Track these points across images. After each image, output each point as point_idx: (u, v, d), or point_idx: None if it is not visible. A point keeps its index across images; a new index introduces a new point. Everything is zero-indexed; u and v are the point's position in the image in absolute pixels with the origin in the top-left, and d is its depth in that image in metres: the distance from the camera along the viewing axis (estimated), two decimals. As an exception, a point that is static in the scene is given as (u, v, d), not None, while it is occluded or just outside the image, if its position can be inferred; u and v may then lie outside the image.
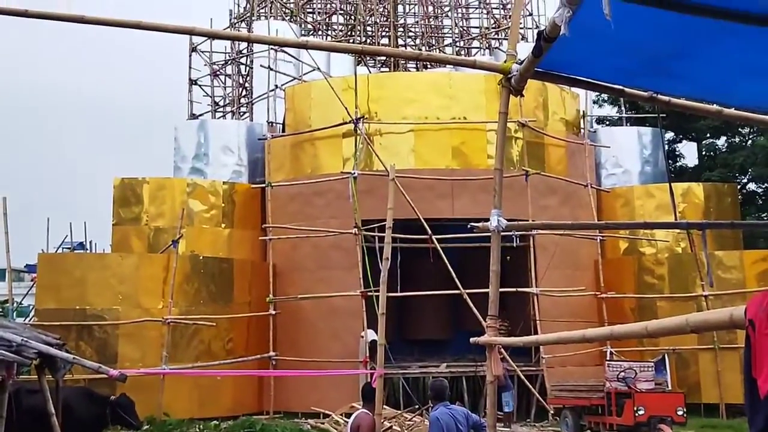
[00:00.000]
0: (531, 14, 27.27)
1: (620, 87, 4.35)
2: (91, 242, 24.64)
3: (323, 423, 15.98)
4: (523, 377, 17.06)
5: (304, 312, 18.68)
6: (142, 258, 18.15)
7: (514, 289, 17.46)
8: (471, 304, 15.19)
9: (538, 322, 17.75)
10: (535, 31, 27.17)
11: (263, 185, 20.33)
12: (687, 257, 18.94)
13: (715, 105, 4.48)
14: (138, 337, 16.90)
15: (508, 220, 5.10)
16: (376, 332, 10.02)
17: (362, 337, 17.00)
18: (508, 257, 18.78)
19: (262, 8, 27.47)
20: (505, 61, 4.62)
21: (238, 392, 17.95)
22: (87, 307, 16.87)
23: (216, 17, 37.54)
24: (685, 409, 14.04)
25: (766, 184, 32.66)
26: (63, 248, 23.05)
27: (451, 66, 21.31)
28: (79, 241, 23.63)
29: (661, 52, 3.61)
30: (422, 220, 16.78)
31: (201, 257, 18.51)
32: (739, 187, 28.76)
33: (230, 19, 28.92)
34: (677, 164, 35.47)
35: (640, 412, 13.56)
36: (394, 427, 12.45)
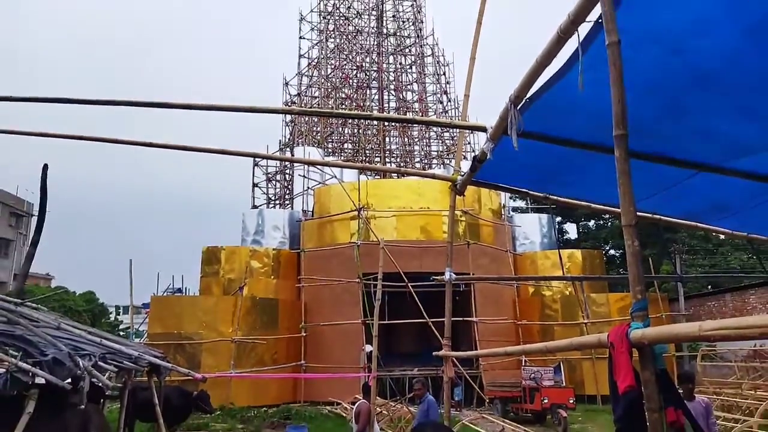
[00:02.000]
0: (470, 142, 27.83)
1: (526, 190, 4.43)
2: (186, 288, 24.35)
3: (336, 409, 15.52)
4: (468, 377, 16.70)
5: (325, 334, 18.38)
6: (219, 299, 17.93)
7: (462, 319, 17.28)
8: (434, 329, 15.00)
9: (477, 341, 17.49)
10: (472, 155, 27.75)
11: (299, 251, 20.30)
12: (572, 298, 18.86)
13: (585, 202, 4.55)
14: (214, 351, 16.53)
15: (456, 274, 5.11)
16: (372, 347, 9.85)
17: (363, 350, 16.69)
18: (458, 298, 18.80)
19: (300, 139, 27.96)
20: (453, 174, 4.72)
21: (280, 388, 17.46)
22: (182, 332, 16.55)
23: (271, 142, 38.17)
24: (574, 399, 13.75)
25: (621, 251, 32.80)
26: (167, 292, 22.75)
27: (420, 176, 21.66)
28: (178, 287, 23.35)
29: (550, 169, 3.70)
30: (402, 274, 16.72)
31: (258, 298, 18.31)
32: (604, 252, 28.86)
33: (279, 145, 29.36)
34: (564, 237, 35.65)
35: (545, 401, 13.26)
36: (383, 412, 12.06)
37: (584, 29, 2.19)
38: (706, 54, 2.23)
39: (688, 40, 2.17)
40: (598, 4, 1.96)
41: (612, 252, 34.80)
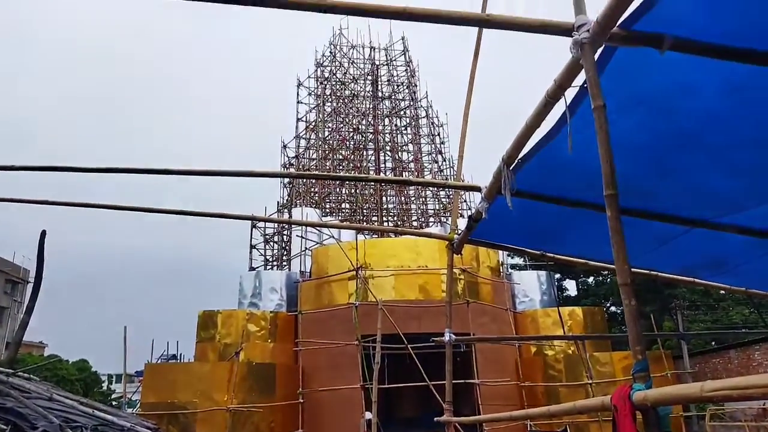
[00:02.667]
0: (465, 201, 28.09)
1: (522, 249, 4.44)
2: (181, 354, 23.78)
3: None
4: (472, 443, 16.05)
5: (323, 400, 17.80)
6: (214, 365, 17.48)
7: (463, 381, 16.81)
8: (435, 392, 14.56)
9: (480, 404, 16.96)
10: (468, 212, 27.85)
11: (296, 313, 20.02)
12: (576, 357, 18.46)
13: (582, 259, 4.56)
14: (209, 421, 15.93)
15: (456, 334, 5.04)
16: (372, 414, 9.54)
17: (362, 417, 16.12)
18: (458, 359, 18.36)
19: (298, 200, 28.21)
20: (449, 233, 4.75)
21: (277, 458, 16.70)
22: (175, 401, 16.01)
23: (269, 204, 38.56)
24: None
25: (622, 308, 32.33)
26: (162, 359, 22.20)
27: (417, 235, 21.70)
28: (173, 353, 22.82)
29: (545, 227, 3.73)
30: (401, 334, 16.44)
31: (254, 363, 17.84)
32: (605, 309, 28.53)
33: (277, 207, 29.56)
34: (564, 295, 35.31)
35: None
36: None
37: (571, 93, 2.28)
38: (690, 115, 2.31)
39: (671, 102, 2.25)
40: (583, 70, 2.05)
41: (613, 309, 34.37)
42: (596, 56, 2.01)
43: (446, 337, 4.84)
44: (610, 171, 1.97)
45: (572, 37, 2.03)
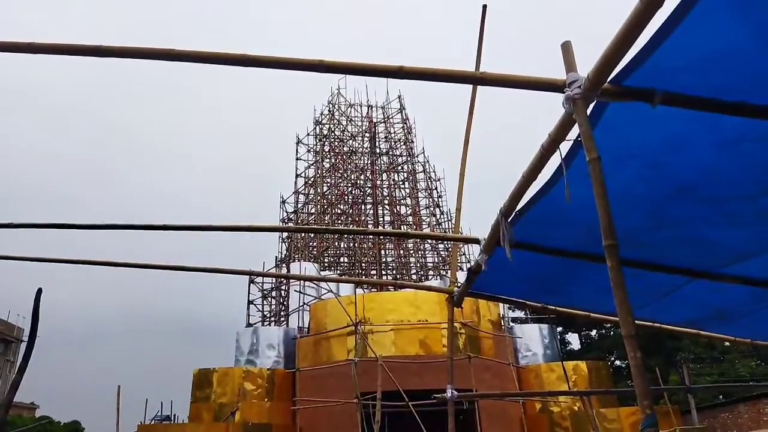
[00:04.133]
0: (464, 253, 28.04)
1: (523, 301, 4.39)
2: (175, 415, 23.06)
3: None
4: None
5: (321, 462, 17.12)
6: (209, 427, 16.93)
7: (466, 440, 16.23)
8: (437, 452, 14.02)
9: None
10: (468, 264, 27.74)
11: (294, 370, 19.56)
12: (582, 413, 17.93)
13: (584, 311, 4.50)
14: (202, 485, 15.26)
15: (458, 390, 4.90)
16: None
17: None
18: (461, 416, 17.79)
19: (296, 254, 28.15)
20: (449, 286, 4.71)
21: None
22: (168, 463, 15.40)
23: (267, 259, 38.39)
24: None
25: (626, 361, 31.79)
26: (155, 420, 21.48)
27: (416, 288, 21.57)
28: (167, 414, 22.13)
29: (546, 279, 3.70)
30: (401, 391, 16.01)
31: (250, 423, 17.29)
32: (609, 363, 27.95)
33: (275, 261, 29.45)
34: (567, 348, 34.76)
35: None
36: None
37: (566, 146, 2.32)
38: (686, 167, 2.34)
39: (665, 155, 2.28)
40: (575, 125, 2.09)
41: (618, 362, 33.71)
42: (589, 111, 2.06)
43: (448, 394, 4.71)
44: (608, 222, 1.97)
45: (564, 93, 2.08)
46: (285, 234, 30.39)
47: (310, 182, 31.69)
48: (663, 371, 20.35)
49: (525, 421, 18.99)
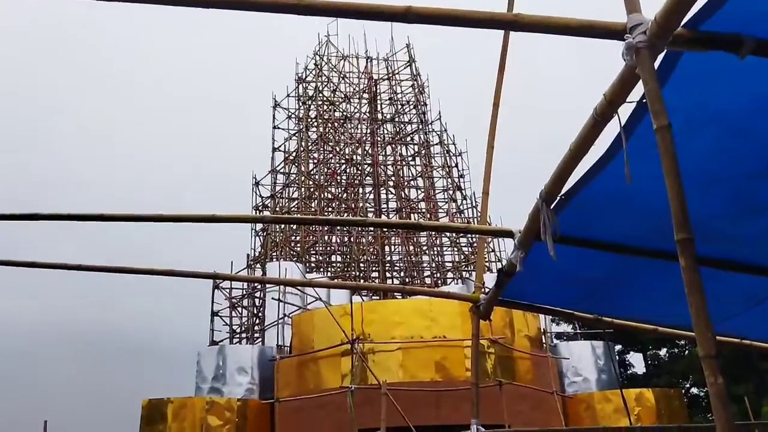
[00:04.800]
0: (493, 250, 28.06)
1: (570, 311, 4.42)
2: (118, 458, 23.31)
3: None
4: None
5: None
6: (163, 472, 17.11)
7: (496, 491, 16.37)
8: (459, 507, 14.16)
9: None
10: (498, 264, 27.68)
11: (272, 401, 19.73)
12: (647, 456, 18.05)
13: (650, 324, 4.52)
14: None
15: (486, 426, 4.96)
16: None
17: None
18: (490, 461, 17.94)
19: (274, 252, 28.22)
20: (473, 292, 4.73)
21: None
22: None
23: (236, 259, 38.50)
24: None
25: (704, 389, 31.94)
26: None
27: (431, 296, 21.57)
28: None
29: (599, 282, 3.72)
30: (412, 428, 16.13)
31: (216, 470, 17.47)
32: (683, 391, 28.09)
33: (247, 261, 29.53)
34: (628, 372, 34.88)
35: None
36: None
37: (627, 110, 2.32)
38: (781, 135, 2.34)
39: (754, 120, 2.29)
40: (640, 82, 2.08)
41: (694, 390, 33.83)
42: (656, 64, 2.05)
43: (473, 431, 4.76)
44: (681, 209, 1.98)
45: (624, 40, 2.07)
46: (259, 226, 30.45)
47: (291, 158, 31.69)
48: (753, 402, 20.42)
49: (573, 467, 19.16)
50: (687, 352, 33.10)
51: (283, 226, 29.10)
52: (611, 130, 2.43)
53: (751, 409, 18.64)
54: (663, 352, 35.44)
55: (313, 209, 29.45)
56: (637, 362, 35.45)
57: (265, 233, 29.86)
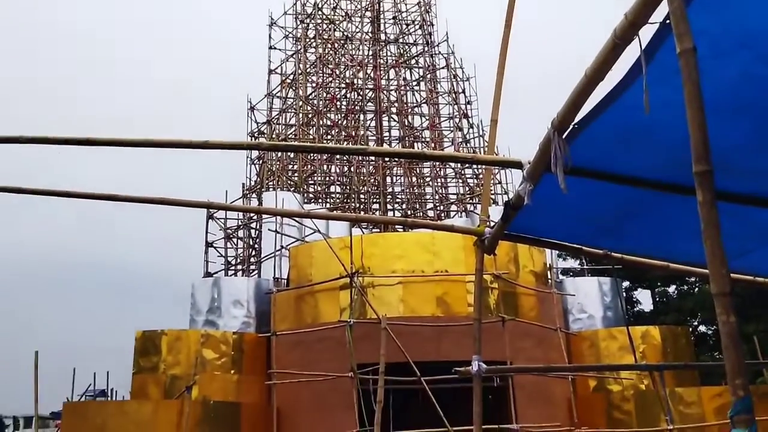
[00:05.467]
0: (500, 182, 28.06)
1: (578, 246, 4.44)
2: (112, 390, 23.98)
3: None
4: None
5: (306, 452, 17.94)
6: (158, 404, 17.62)
7: (496, 426, 16.88)
8: (458, 442, 14.64)
9: (520, 457, 17.07)
10: (504, 197, 27.73)
11: (269, 334, 20.12)
12: (651, 394, 18.50)
13: (660, 261, 4.55)
14: (152, 479, 16.10)
15: (488, 363, 5.05)
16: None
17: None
18: (490, 396, 18.42)
19: (271, 181, 28.23)
20: (478, 226, 4.74)
21: None
22: (105, 452, 16.18)
23: (231, 188, 38.52)
24: None
25: (714, 327, 32.54)
26: (86, 396, 22.37)
27: (434, 229, 21.72)
28: (101, 388, 23.00)
29: (610, 217, 3.72)
30: (411, 363, 16.50)
31: (212, 402, 17.97)
32: (691, 329, 28.61)
33: (243, 191, 29.60)
34: (635, 309, 35.44)
35: None
36: None
37: (647, 32, 2.26)
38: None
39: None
40: (664, 1, 2.02)
41: (702, 328, 34.47)
42: (683, -19, 1.99)
43: (474, 368, 4.85)
44: (702, 140, 1.95)
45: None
46: (255, 154, 30.37)
47: (288, 82, 31.30)
48: (762, 341, 20.79)
49: (575, 403, 19.68)
50: (697, 289, 33.56)
51: (279, 154, 29.01)
52: (630, 56, 2.38)
53: (760, 348, 18.98)
54: (672, 289, 35.90)
55: (311, 137, 29.28)
56: (644, 299, 36.00)
57: (261, 162, 29.82)
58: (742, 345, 1.92)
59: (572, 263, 33.19)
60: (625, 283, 34.08)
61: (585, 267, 27.86)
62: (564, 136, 2.86)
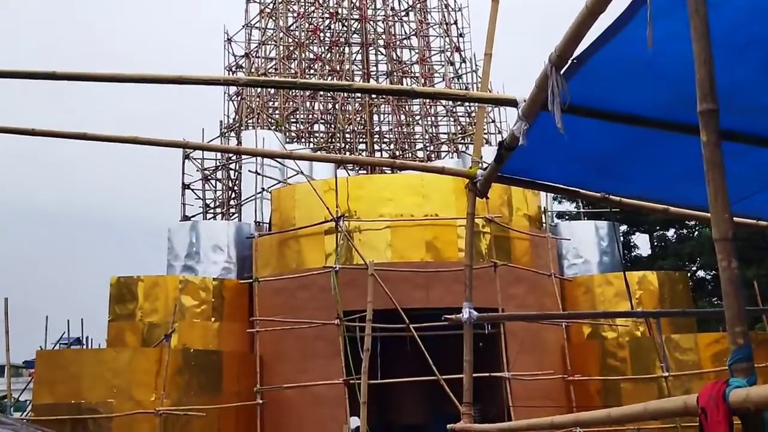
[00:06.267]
0: (493, 121, 27.93)
1: (575, 189, 4.46)
2: (87, 338, 24.16)
3: None
4: (498, 459, 16.61)
5: (290, 401, 18.26)
6: (135, 352, 17.80)
7: (487, 374, 17.22)
8: (448, 390, 14.96)
9: (511, 406, 17.45)
10: (498, 137, 27.67)
11: (251, 281, 20.23)
12: (646, 341, 18.88)
13: (660, 204, 4.59)
14: (131, 429, 16.37)
15: (479, 310, 5.12)
16: (359, 420, 9.83)
17: (346, 425, 16.60)
18: (481, 344, 18.68)
19: (250, 119, 27.98)
20: (470, 167, 4.74)
21: (227, 481, 17.31)
22: (82, 402, 16.40)
23: (207, 126, 38.22)
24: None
25: (713, 272, 33.03)
26: (60, 344, 22.56)
27: (423, 171, 21.67)
28: (76, 336, 23.17)
29: (609, 158, 3.73)
30: (400, 310, 16.70)
31: (192, 350, 18.18)
32: (689, 274, 29.01)
33: (221, 129, 29.33)
34: (632, 254, 35.82)
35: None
36: None
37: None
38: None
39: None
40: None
41: (701, 273, 34.98)
42: None
43: (465, 315, 4.92)
44: (708, 77, 1.95)
45: None
46: (233, 90, 29.97)
47: (268, 11, 30.69)
48: (763, 286, 21.11)
49: (568, 350, 20.07)
50: (696, 233, 33.89)
51: (259, 90, 28.66)
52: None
53: (760, 295, 19.27)
54: (671, 233, 36.27)
55: (293, 71, 28.89)
56: (642, 244, 36.38)
57: (239, 98, 29.46)
58: (742, 290, 1.95)
59: (568, 206, 33.35)
60: (623, 227, 34.37)
61: (581, 210, 28.02)
62: (562, 72, 2.84)
